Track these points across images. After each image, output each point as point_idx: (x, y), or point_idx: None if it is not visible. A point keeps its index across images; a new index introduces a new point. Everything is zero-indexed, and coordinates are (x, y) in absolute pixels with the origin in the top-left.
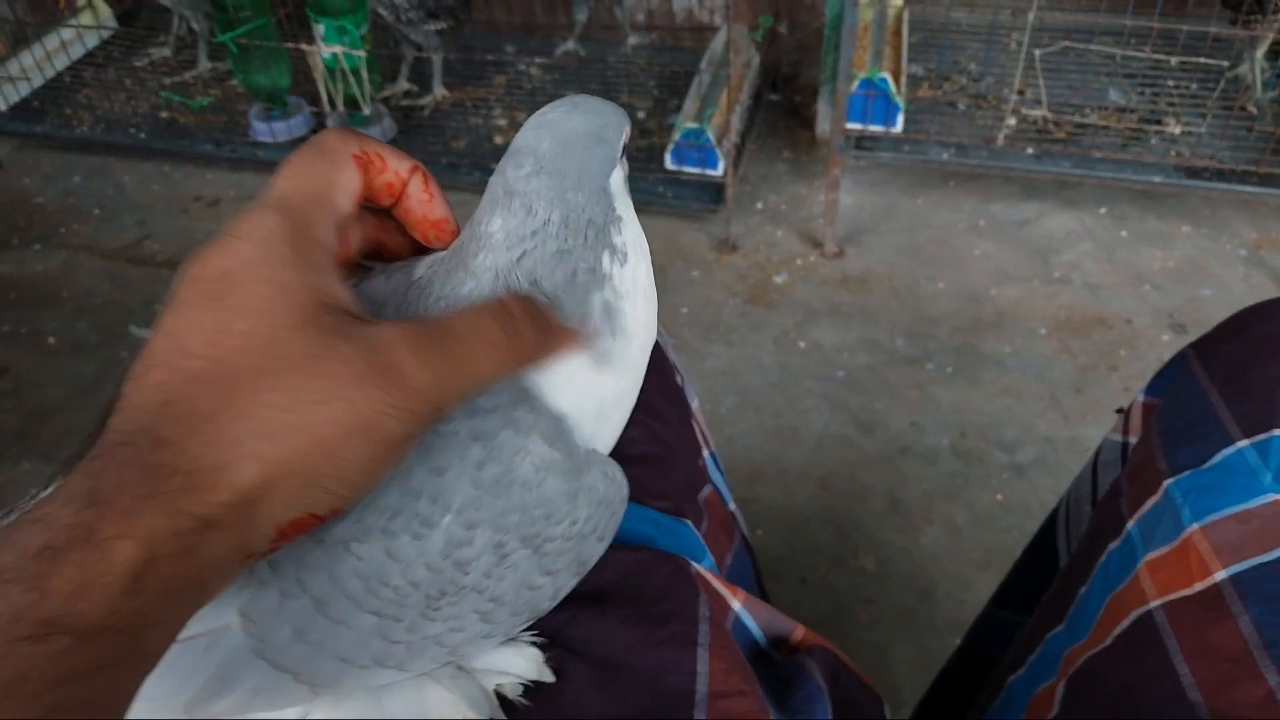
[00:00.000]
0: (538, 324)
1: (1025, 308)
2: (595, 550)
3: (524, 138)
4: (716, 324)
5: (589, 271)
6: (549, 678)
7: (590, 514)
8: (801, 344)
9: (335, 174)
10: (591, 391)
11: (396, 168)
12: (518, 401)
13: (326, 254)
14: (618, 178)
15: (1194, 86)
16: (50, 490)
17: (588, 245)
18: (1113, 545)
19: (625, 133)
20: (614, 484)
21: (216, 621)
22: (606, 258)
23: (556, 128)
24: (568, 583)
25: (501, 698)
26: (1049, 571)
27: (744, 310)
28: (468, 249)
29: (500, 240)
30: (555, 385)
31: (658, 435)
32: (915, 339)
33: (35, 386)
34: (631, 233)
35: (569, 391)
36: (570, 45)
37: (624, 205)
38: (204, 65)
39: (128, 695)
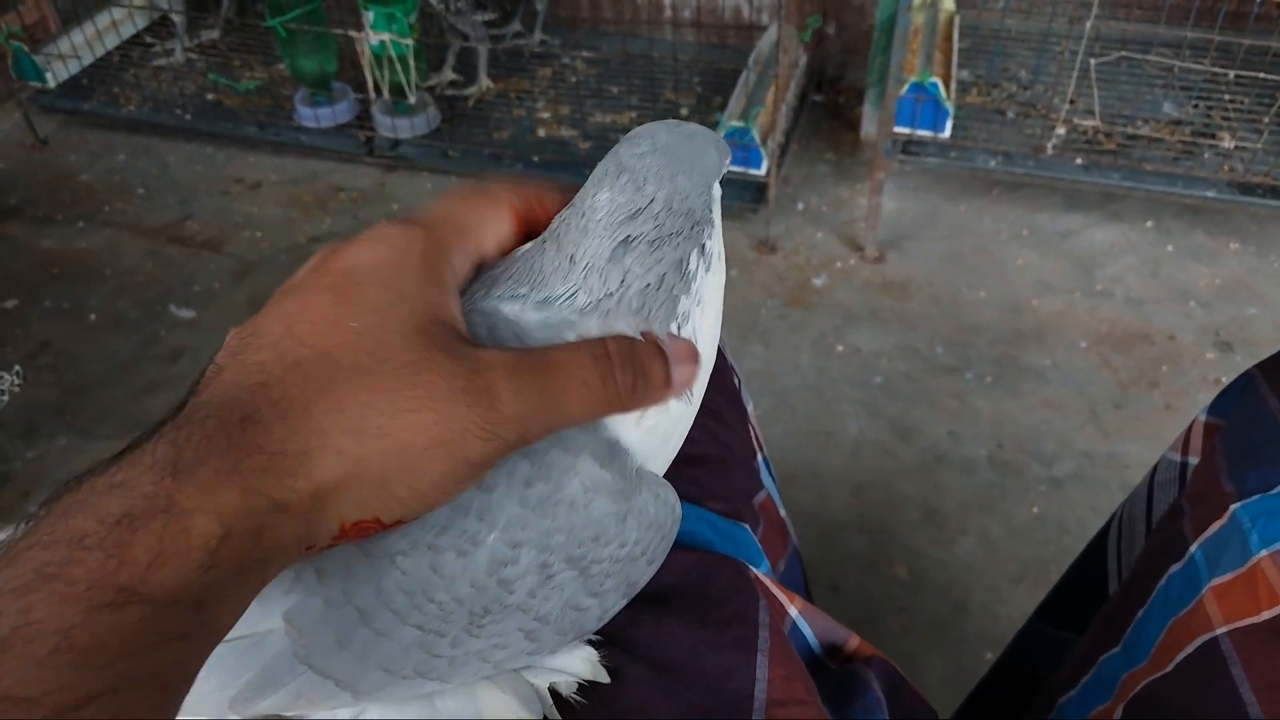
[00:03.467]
0: (634, 371)
1: (1067, 320)
2: (645, 573)
3: (641, 130)
4: (754, 324)
5: (676, 267)
6: (604, 679)
7: (640, 536)
8: (839, 348)
9: (489, 216)
10: (657, 412)
11: (552, 208)
12: None
13: (454, 278)
14: (717, 189)
15: (1248, 102)
16: (128, 451)
17: (681, 236)
18: (1174, 568)
19: (725, 164)
20: (665, 506)
21: (262, 625)
22: (695, 256)
23: (673, 128)
24: (615, 604)
25: (557, 696)
26: (1100, 589)
27: (782, 312)
28: (571, 227)
29: (604, 215)
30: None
31: (717, 437)
32: (954, 347)
33: (75, 361)
34: (718, 243)
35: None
36: (536, 36)
37: (717, 213)
38: (179, 55)
39: (194, 669)
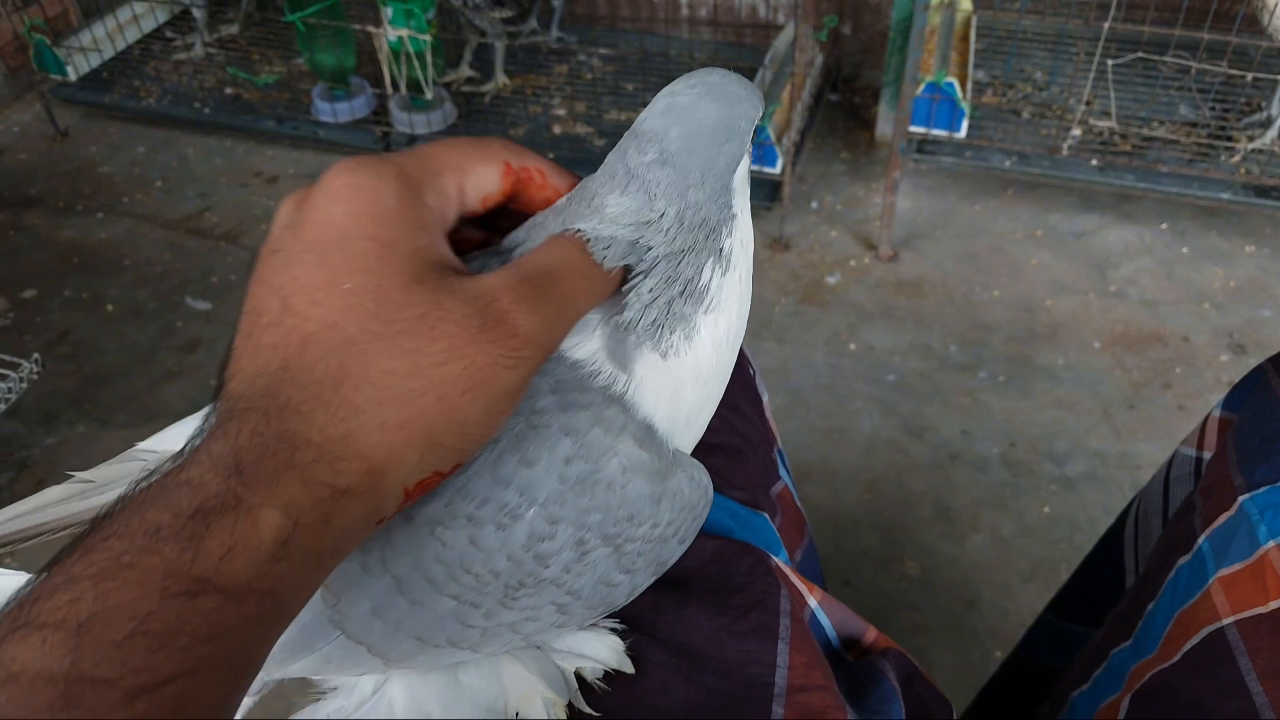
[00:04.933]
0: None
1: (1080, 320)
2: (675, 552)
3: (651, 121)
4: (768, 322)
5: (684, 285)
6: (629, 668)
7: (673, 517)
8: (853, 346)
9: (475, 164)
10: (680, 398)
11: (557, 184)
12: (610, 401)
13: (436, 219)
14: (742, 170)
15: (1265, 104)
16: (190, 450)
17: (695, 250)
18: (1182, 561)
19: (757, 119)
20: (699, 488)
21: None
22: (709, 267)
23: (686, 115)
24: (645, 581)
25: (581, 680)
26: (1115, 584)
27: (796, 309)
28: (577, 211)
29: (613, 215)
30: (645, 389)
31: (734, 427)
32: (968, 346)
33: (94, 351)
34: (741, 233)
35: (659, 397)
36: (553, 33)
37: (741, 200)
38: (199, 50)
39: (266, 651)
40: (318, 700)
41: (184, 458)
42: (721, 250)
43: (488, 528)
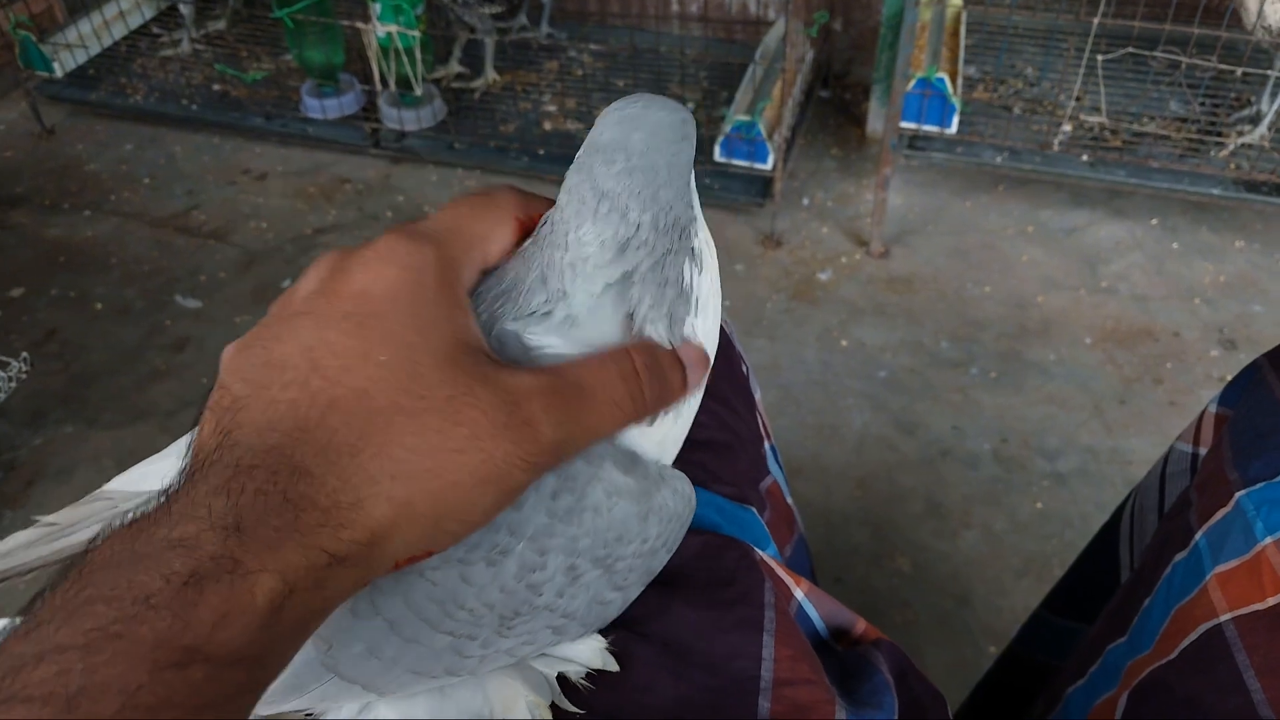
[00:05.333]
0: (658, 379)
1: (1071, 316)
2: (663, 560)
3: (610, 133)
4: (759, 319)
5: (678, 288)
6: (612, 667)
7: (660, 530)
8: (844, 342)
9: (496, 229)
10: (670, 421)
11: None
12: None
13: (465, 295)
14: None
15: (1254, 99)
16: (180, 496)
17: (673, 253)
18: (1179, 557)
19: (693, 132)
20: (683, 499)
21: None
22: (688, 268)
23: (641, 121)
24: (636, 593)
25: (564, 680)
26: (1110, 580)
27: (787, 306)
28: (555, 260)
29: (594, 253)
30: None
31: (724, 422)
32: (959, 342)
33: (81, 350)
34: (704, 232)
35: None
36: (542, 29)
37: (696, 203)
38: (186, 46)
39: (249, 713)
40: None
41: (173, 503)
42: (693, 249)
43: (478, 565)
